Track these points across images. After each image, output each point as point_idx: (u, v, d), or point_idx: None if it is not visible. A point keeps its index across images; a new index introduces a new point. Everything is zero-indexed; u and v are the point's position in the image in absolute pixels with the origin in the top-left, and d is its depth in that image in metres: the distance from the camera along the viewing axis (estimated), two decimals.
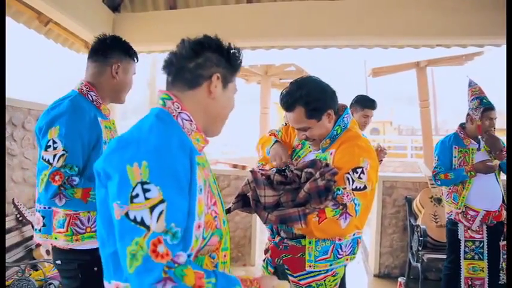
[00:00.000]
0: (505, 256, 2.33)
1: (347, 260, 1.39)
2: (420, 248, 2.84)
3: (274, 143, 1.58)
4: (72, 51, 3.54)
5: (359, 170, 1.26)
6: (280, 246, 1.41)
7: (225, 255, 0.92)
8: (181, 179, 0.75)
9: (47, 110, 1.37)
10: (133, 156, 0.73)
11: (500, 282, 2.34)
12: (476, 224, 2.34)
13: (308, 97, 1.32)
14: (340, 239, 1.34)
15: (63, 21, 3.09)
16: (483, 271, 2.34)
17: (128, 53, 1.47)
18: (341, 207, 1.20)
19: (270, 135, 1.71)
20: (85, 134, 1.34)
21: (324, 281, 1.37)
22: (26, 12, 2.89)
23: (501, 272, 2.34)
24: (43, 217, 1.42)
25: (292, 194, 1.21)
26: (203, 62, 0.89)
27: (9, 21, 2.77)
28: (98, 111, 1.44)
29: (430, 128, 4.10)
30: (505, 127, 2.34)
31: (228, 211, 1.28)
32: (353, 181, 1.25)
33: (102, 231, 0.79)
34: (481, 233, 2.36)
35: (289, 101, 1.35)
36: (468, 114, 2.45)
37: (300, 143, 1.54)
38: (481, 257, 2.35)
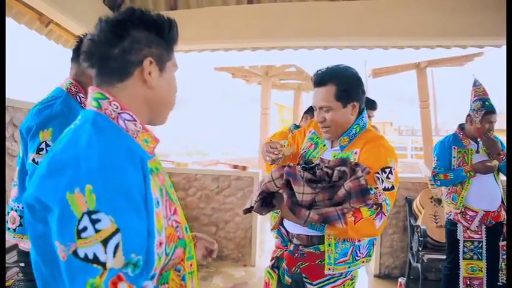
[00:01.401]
0: (504, 256, 2.33)
1: (363, 262, 1.37)
2: (420, 249, 2.84)
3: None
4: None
5: (387, 170, 1.25)
6: (296, 254, 1.36)
7: (191, 265, 0.83)
8: (136, 198, 0.63)
9: (38, 109, 1.33)
10: (73, 181, 0.59)
11: (499, 283, 2.34)
12: (475, 224, 2.34)
13: (345, 78, 1.33)
14: (359, 241, 1.32)
15: (64, 22, 3.09)
16: (482, 271, 2.35)
17: None
18: (375, 206, 1.17)
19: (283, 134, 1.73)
20: None
21: (343, 285, 1.34)
22: (27, 13, 2.90)
23: (500, 272, 2.34)
24: (20, 217, 1.38)
25: (329, 192, 1.14)
26: (129, 45, 0.72)
27: (10, 22, 2.79)
28: None
29: (430, 128, 4.11)
30: (504, 127, 2.34)
31: (249, 211, 1.26)
32: (382, 181, 1.23)
33: (43, 270, 0.65)
34: (479, 233, 2.36)
35: (324, 76, 1.33)
36: (469, 115, 2.45)
37: (312, 143, 1.50)
38: (480, 257, 2.35)
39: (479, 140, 2.42)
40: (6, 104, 2.42)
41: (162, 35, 0.77)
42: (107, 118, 0.71)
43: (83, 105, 1.40)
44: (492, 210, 2.34)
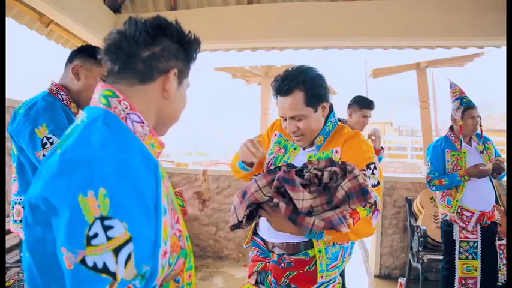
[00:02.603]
0: (502, 256, 2.34)
1: (347, 261, 1.33)
2: (420, 249, 2.84)
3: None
4: None
5: (372, 166, 1.21)
6: (282, 264, 1.26)
7: (190, 276, 0.79)
8: (149, 205, 0.60)
9: (25, 111, 1.36)
10: (86, 183, 0.55)
11: (498, 283, 2.34)
12: (471, 225, 2.35)
13: (311, 82, 1.24)
14: (347, 242, 1.27)
15: (64, 22, 3.09)
16: (476, 270, 2.35)
17: (93, 56, 1.44)
18: (369, 205, 1.11)
19: (235, 155, 1.54)
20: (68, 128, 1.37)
21: None
22: (28, 14, 2.90)
23: (499, 272, 2.33)
24: (24, 208, 1.44)
25: (326, 195, 1.04)
26: (161, 52, 0.72)
27: (11, 22, 2.79)
28: (69, 110, 1.45)
29: (430, 128, 4.10)
30: (495, 128, 2.35)
31: (237, 227, 1.12)
32: (369, 178, 1.19)
33: (38, 280, 0.61)
34: (475, 233, 2.36)
35: (288, 84, 1.23)
36: (451, 116, 2.47)
37: (281, 147, 1.40)
38: (475, 257, 2.36)
39: (461, 137, 2.42)
40: (6, 104, 2.42)
41: (188, 52, 0.77)
42: (116, 117, 0.68)
43: (64, 102, 1.45)
44: (487, 210, 2.34)
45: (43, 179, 0.59)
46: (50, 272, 0.57)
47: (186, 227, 0.80)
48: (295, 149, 1.37)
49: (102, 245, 0.53)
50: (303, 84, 1.23)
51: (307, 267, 1.24)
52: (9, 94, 2.20)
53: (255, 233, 1.40)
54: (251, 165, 1.36)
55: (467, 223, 2.35)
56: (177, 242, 0.70)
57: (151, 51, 0.71)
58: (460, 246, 2.39)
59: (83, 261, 0.53)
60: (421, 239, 2.82)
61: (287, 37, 3.43)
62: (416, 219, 3.16)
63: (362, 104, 2.63)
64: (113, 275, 0.54)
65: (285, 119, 1.30)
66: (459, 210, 2.37)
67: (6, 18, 2.64)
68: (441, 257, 2.64)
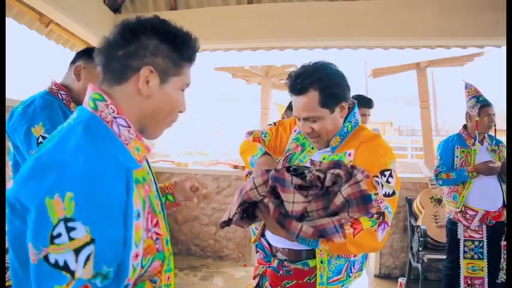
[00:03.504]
0: (505, 256, 2.34)
1: (355, 277, 1.22)
2: (420, 249, 2.84)
3: (261, 155, 1.29)
4: (73, 52, 3.56)
5: (387, 173, 1.09)
6: (281, 272, 1.19)
7: (168, 278, 0.81)
8: (115, 210, 0.63)
9: (22, 109, 1.37)
10: (54, 186, 0.59)
11: (497, 281, 2.35)
12: (474, 224, 2.35)
13: (327, 80, 1.13)
14: (355, 256, 1.17)
15: (64, 22, 3.09)
16: (483, 270, 2.35)
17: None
18: (376, 216, 0.99)
19: (253, 139, 1.43)
20: None
21: None
22: (28, 14, 2.90)
23: (500, 271, 2.34)
24: None
25: (323, 200, 0.94)
26: (134, 50, 0.73)
27: (11, 22, 2.79)
28: (68, 109, 1.45)
29: (430, 128, 4.10)
30: (504, 128, 2.36)
31: (227, 224, 1.05)
32: (382, 186, 1.07)
33: (18, 271, 0.64)
34: (480, 232, 2.37)
35: (302, 83, 1.13)
36: (467, 113, 2.49)
37: (299, 145, 1.31)
38: (481, 257, 2.36)
39: (477, 135, 2.42)
40: (6, 104, 2.41)
41: (175, 48, 0.75)
42: (101, 122, 0.70)
43: (64, 101, 1.45)
44: (493, 210, 2.34)
45: (18, 179, 0.63)
46: (27, 263, 0.60)
47: (168, 231, 0.81)
48: (312, 148, 1.27)
49: (64, 244, 0.57)
50: (318, 83, 1.12)
51: (307, 278, 1.16)
52: (9, 94, 2.20)
53: (263, 234, 1.33)
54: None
55: (470, 222, 2.36)
56: (152, 245, 0.72)
57: (125, 50, 0.72)
58: (464, 246, 2.40)
59: (46, 258, 0.57)
60: (421, 238, 2.82)
61: (287, 37, 3.43)
62: (416, 219, 3.16)
63: (361, 102, 2.62)
64: (72, 273, 0.57)
65: (300, 119, 1.21)
66: (463, 209, 2.38)
67: (6, 18, 2.64)
68: (441, 256, 2.64)
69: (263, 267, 1.28)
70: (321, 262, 1.13)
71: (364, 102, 2.62)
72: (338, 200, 0.92)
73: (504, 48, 3.13)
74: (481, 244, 2.36)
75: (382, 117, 17.40)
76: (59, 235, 0.57)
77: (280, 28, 3.39)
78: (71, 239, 0.58)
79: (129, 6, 3.80)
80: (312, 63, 1.18)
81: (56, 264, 0.57)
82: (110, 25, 3.60)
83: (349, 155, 1.17)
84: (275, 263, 1.22)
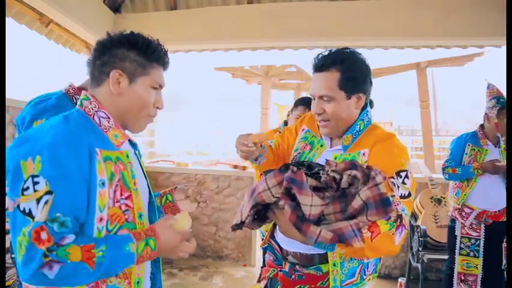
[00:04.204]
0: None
1: (369, 280, 1.18)
2: (420, 249, 2.84)
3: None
4: (73, 52, 3.56)
5: (403, 174, 1.05)
6: (293, 276, 1.16)
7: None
8: (73, 174, 0.78)
9: (35, 103, 1.39)
10: (29, 152, 0.77)
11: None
12: (469, 221, 2.36)
13: (351, 64, 1.12)
14: (368, 258, 1.11)
15: (64, 22, 3.09)
16: (477, 268, 2.36)
17: None
18: (393, 218, 0.94)
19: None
20: None
21: None
22: (28, 13, 2.90)
23: (505, 272, 2.32)
24: None
25: (340, 202, 0.90)
26: (107, 58, 0.91)
27: (11, 22, 2.79)
28: None
29: (430, 128, 4.11)
30: None
31: (239, 227, 1.03)
32: (398, 187, 1.03)
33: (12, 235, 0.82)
34: (478, 231, 2.37)
35: (326, 60, 1.12)
36: (485, 114, 2.47)
37: (307, 144, 1.29)
38: (476, 255, 2.36)
39: (499, 136, 2.41)
40: (6, 104, 2.42)
41: (140, 52, 0.91)
42: (83, 114, 0.89)
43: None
44: (493, 210, 2.34)
45: (7, 149, 0.82)
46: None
47: (145, 209, 0.94)
48: (321, 146, 1.24)
49: (30, 195, 0.75)
50: (341, 64, 1.11)
51: (320, 282, 1.12)
52: (9, 94, 2.20)
53: (272, 236, 1.30)
54: (245, 157, 1.25)
55: (465, 219, 2.37)
56: (119, 214, 0.85)
57: (100, 60, 0.91)
58: (460, 242, 2.40)
59: (18, 207, 0.75)
60: (421, 238, 2.82)
61: (287, 37, 3.43)
62: (416, 219, 3.16)
63: None
64: (33, 218, 0.74)
65: (314, 98, 1.18)
66: (460, 207, 2.40)
67: (6, 18, 2.64)
68: (441, 256, 2.64)
69: (274, 270, 1.24)
70: (334, 265, 1.11)
71: None
72: (356, 203, 0.89)
73: (504, 48, 3.13)
74: (477, 242, 2.37)
75: (382, 117, 17.38)
76: (27, 188, 0.75)
77: (280, 28, 3.39)
78: (35, 190, 0.75)
79: (129, 6, 3.80)
80: (342, 48, 1.17)
81: (23, 211, 0.75)
82: (110, 25, 3.60)
83: (363, 154, 1.14)
84: (287, 267, 1.18)
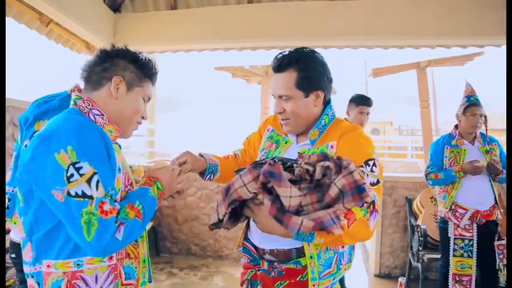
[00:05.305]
0: (501, 256, 2.33)
1: (345, 270, 1.21)
2: (420, 248, 2.84)
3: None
4: (73, 52, 3.56)
5: (371, 163, 1.10)
6: (272, 273, 1.17)
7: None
8: (102, 154, 0.88)
9: (38, 103, 1.39)
10: (58, 145, 0.83)
11: (501, 285, 2.34)
12: (464, 222, 2.35)
13: (306, 63, 1.16)
14: (342, 247, 1.17)
15: (64, 21, 3.10)
16: (471, 268, 2.35)
17: None
18: (366, 205, 0.98)
19: (228, 156, 1.51)
20: None
21: None
22: (28, 13, 2.90)
23: (499, 273, 2.33)
24: (9, 200, 1.44)
25: (317, 193, 0.93)
26: (109, 65, 0.99)
27: (11, 22, 2.79)
28: None
29: (430, 128, 4.10)
30: (496, 127, 2.35)
31: (217, 226, 1.05)
32: (367, 175, 1.08)
33: (30, 219, 0.89)
34: (470, 231, 2.36)
35: (283, 60, 1.17)
36: (456, 113, 2.48)
37: (273, 142, 1.32)
38: (470, 255, 2.36)
39: (476, 133, 2.42)
40: (6, 104, 2.42)
41: (138, 67, 1.02)
42: (79, 111, 0.96)
43: None
44: (483, 209, 2.33)
45: (30, 151, 0.86)
46: (38, 210, 0.88)
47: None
48: (286, 142, 1.28)
49: (77, 180, 0.81)
50: (297, 64, 1.16)
51: (299, 276, 1.14)
52: (9, 94, 2.20)
53: (246, 237, 1.31)
54: (202, 173, 1.38)
55: (460, 220, 2.36)
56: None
57: (102, 66, 0.99)
58: (454, 244, 2.39)
59: (69, 194, 0.81)
60: (421, 238, 2.82)
61: (287, 37, 3.44)
62: (416, 219, 3.16)
63: (358, 101, 2.63)
64: (90, 197, 0.81)
65: (275, 98, 1.24)
66: (453, 207, 2.38)
67: (6, 17, 2.64)
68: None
69: (251, 271, 1.24)
70: (311, 257, 1.13)
71: (362, 100, 2.63)
72: (333, 191, 0.92)
73: (504, 48, 3.13)
74: (471, 243, 2.36)
75: (382, 117, 17.38)
76: (72, 175, 0.81)
77: (280, 28, 3.39)
78: (81, 175, 0.82)
79: (129, 6, 3.80)
80: (299, 48, 1.21)
81: (76, 195, 0.80)
82: (110, 25, 3.61)
83: (332, 147, 1.18)
84: (265, 265, 1.19)
